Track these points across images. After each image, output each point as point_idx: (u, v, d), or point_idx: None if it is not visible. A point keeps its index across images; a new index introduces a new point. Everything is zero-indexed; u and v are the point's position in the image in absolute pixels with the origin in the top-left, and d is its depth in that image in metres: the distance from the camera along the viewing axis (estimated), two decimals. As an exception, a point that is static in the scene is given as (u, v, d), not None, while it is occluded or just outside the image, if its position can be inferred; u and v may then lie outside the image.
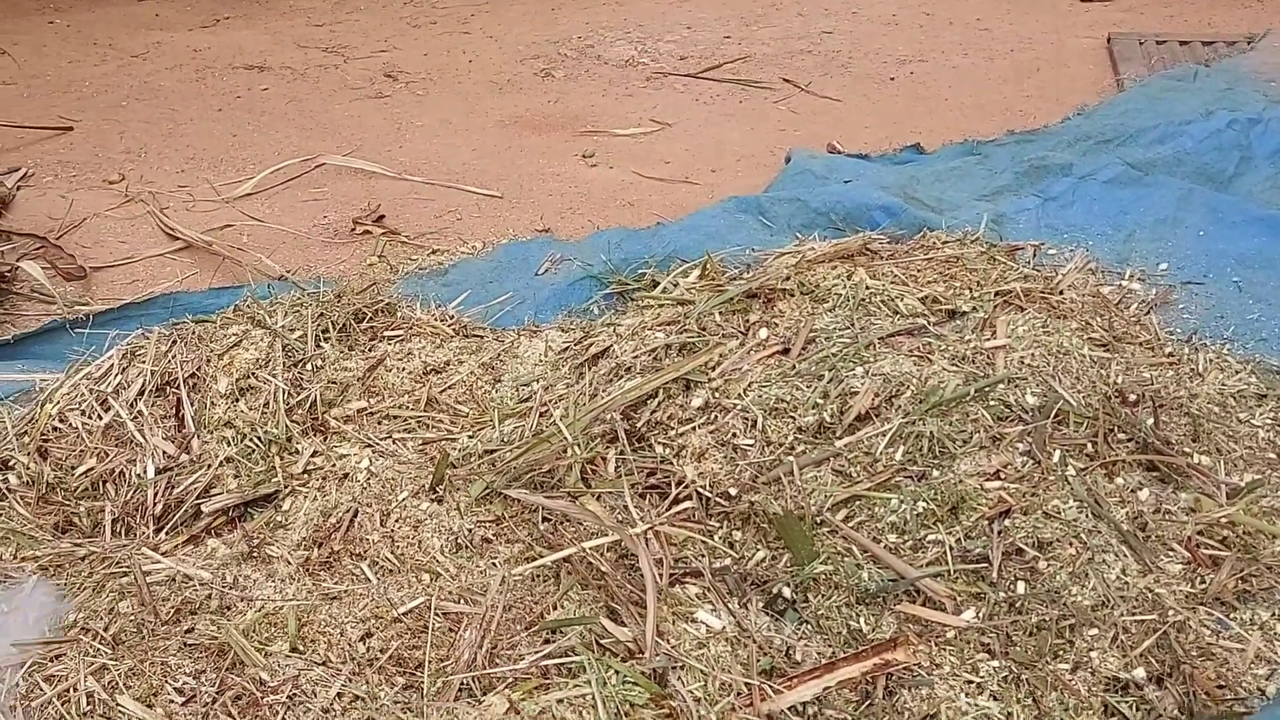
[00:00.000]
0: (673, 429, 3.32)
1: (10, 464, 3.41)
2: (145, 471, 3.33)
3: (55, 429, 3.46)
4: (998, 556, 2.79)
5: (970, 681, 2.62)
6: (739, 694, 2.52)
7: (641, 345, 3.57)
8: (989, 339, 3.37)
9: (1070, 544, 2.79)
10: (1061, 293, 3.77)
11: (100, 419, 3.46)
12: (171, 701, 2.54)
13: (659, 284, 4.10)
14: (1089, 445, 3.04)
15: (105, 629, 2.69)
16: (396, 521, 3.13)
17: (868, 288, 3.61)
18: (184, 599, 2.87)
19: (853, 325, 3.47)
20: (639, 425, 3.34)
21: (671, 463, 3.22)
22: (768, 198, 4.87)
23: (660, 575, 2.80)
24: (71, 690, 2.51)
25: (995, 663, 2.64)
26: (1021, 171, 4.99)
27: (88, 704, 2.50)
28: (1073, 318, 3.57)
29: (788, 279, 3.69)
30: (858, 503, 2.99)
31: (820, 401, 3.23)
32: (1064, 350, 3.33)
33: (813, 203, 4.71)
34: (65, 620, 2.79)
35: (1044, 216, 4.60)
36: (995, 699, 2.58)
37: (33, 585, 3.02)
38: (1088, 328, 3.54)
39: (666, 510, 3.09)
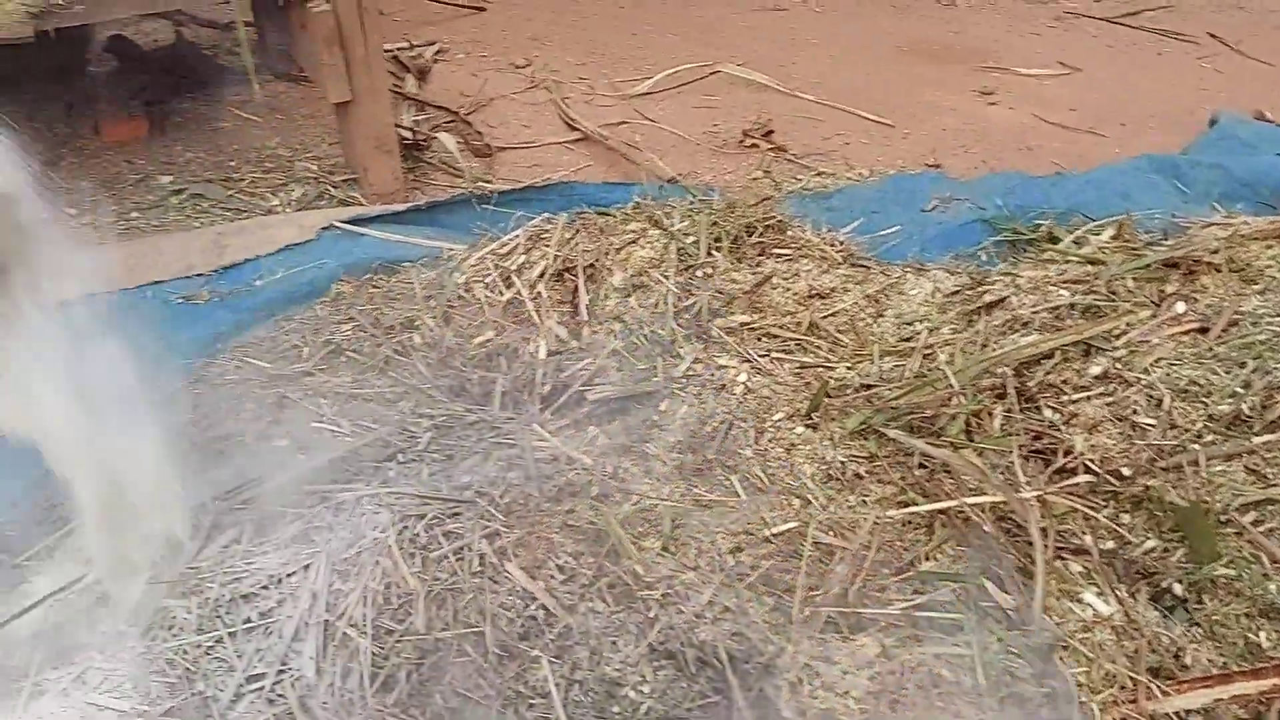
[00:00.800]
0: (1066, 394, 3.16)
1: (416, 324, 3.62)
2: (537, 351, 3.46)
3: (460, 298, 3.65)
4: None
5: (1380, 724, 2.39)
6: (1123, 688, 2.39)
7: (1043, 300, 3.41)
8: None
9: None
10: None
11: (502, 294, 3.61)
12: (552, 577, 2.64)
13: (1058, 238, 3.90)
14: None
15: (500, 496, 2.82)
16: (770, 441, 3.13)
17: (1309, 275, 3.31)
18: (566, 480, 2.97)
19: (1286, 313, 3.20)
20: (1029, 384, 3.20)
21: (1060, 430, 3.07)
22: (1186, 160, 4.54)
23: (1046, 546, 2.68)
24: (466, 549, 2.65)
25: None
26: None
27: (479, 565, 2.63)
28: None
29: (1215, 252, 3.42)
30: (1270, 507, 2.76)
31: (1240, 391, 2.99)
32: None
33: (1237, 171, 4.36)
34: (458, 480, 2.93)
35: None
36: None
37: (427, 441, 3.21)
38: None
39: (1049, 479, 2.96)
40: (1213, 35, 6.12)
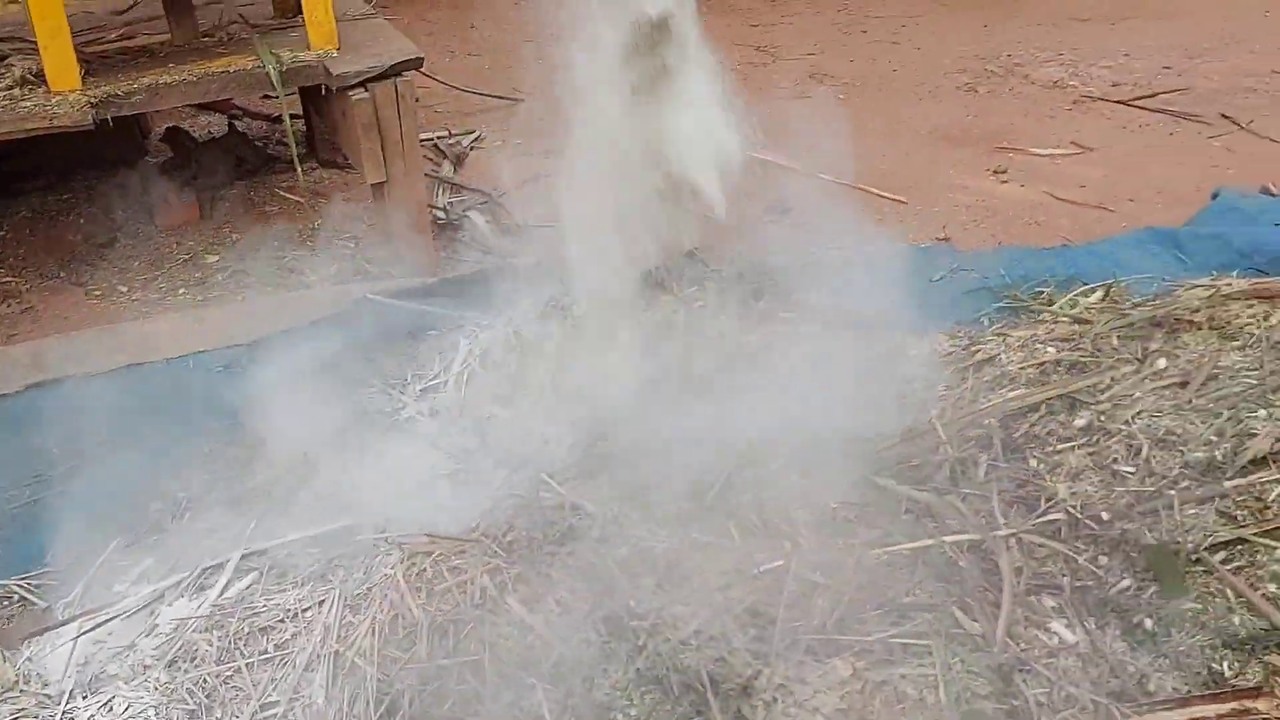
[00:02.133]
0: (1050, 445, 3.30)
1: (439, 389, 3.85)
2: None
3: (480, 363, 3.87)
4: (1391, 627, 2.61)
5: (1339, 749, 2.48)
6: (1083, 708, 2.50)
7: (1030, 357, 3.57)
8: None
9: None
10: None
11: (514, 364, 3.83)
12: (550, 610, 2.81)
13: (1055, 303, 4.05)
14: None
15: (503, 536, 2.99)
16: (768, 490, 3.28)
17: (1285, 331, 3.44)
18: (570, 525, 3.14)
19: (1262, 367, 3.32)
20: (1015, 436, 3.35)
21: (1045, 478, 3.21)
22: (1187, 232, 4.68)
23: (1018, 581, 2.81)
24: (469, 583, 2.83)
25: (1371, 736, 2.48)
26: None
27: (480, 597, 2.80)
28: None
29: (1197, 310, 3.57)
30: (1239, 547, 2.87)
31: (1214, 439, 3.12)
32: None
33: (1236, 242, 4.48)
34: (470, 525, 3.12)
35: None
36: (1365, 771, 2.43)
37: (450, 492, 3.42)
38: None
39: (1033, 525, 3.09)
40: (1225, 116, 6.28)
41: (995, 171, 5.75)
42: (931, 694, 2.49)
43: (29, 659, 2.93)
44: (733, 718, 2.55)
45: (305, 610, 2.90)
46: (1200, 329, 3.53)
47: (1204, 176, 5.54)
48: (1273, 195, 5.17)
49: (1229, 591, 2.76)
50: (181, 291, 4.68)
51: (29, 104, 4.41)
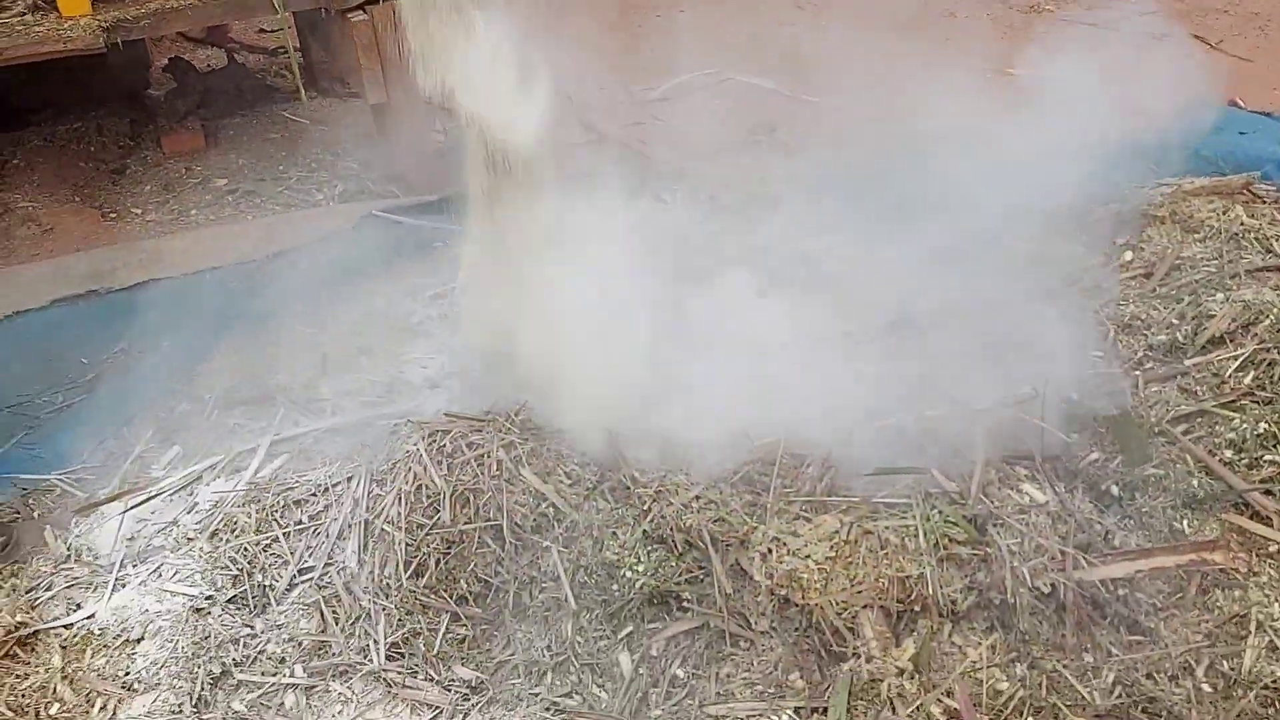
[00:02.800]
0: (1025, 333, 3.52)
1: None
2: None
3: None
4: (1334, 482, 2.85)
5: (1285, 593, 2.72)
6: (1052, 558, 2.74)
7: (1006, 255, 3.77)
8: (1362, 284, 3.37)
9: None
10: None
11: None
12: (561, 481, 3.03)
13: (1032, 208, 4.26)
14: None
15: (515, 414, 3.20)
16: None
17: (1242, 224, 3.66)
18: (577, 410, 3.35)
19: (1220, 256, 3.54)
20: (993, 326, 3.56)
21: (1020, 363, 3.43)
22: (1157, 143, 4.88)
23: (993, 450, 3.04)
24: (487, 456, 3.05)
25: (1314, 581, 2.73)
26: None
27: (497, 469, 3.02)
28: None
29: (1161, 207, 3.78)
30: (1199, 418, 3.10)
31: (1175, 322, 3.34)
32: None
33: (1203, 150, 4.69)
34: (482, 407, 3.33)
35: None
36: (1308, 612, 2.68)
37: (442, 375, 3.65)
38: None
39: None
40: (1196, 37, 6.47)
41: (974, 91, 5.93)
42: (913, 541, 2.72)
43: (78, 535, 3.15)
44: (732, 568, 2.79)
45: (335, 485, 3.12)
46: (1164, 223, 3.75)
47: (1174, 92, 5.74)
48: (1239, 108, 5.38)
49: (1189, 458, 2.99)
50: (194, 212, 4.86)
51: (42, 29, 4.55)
